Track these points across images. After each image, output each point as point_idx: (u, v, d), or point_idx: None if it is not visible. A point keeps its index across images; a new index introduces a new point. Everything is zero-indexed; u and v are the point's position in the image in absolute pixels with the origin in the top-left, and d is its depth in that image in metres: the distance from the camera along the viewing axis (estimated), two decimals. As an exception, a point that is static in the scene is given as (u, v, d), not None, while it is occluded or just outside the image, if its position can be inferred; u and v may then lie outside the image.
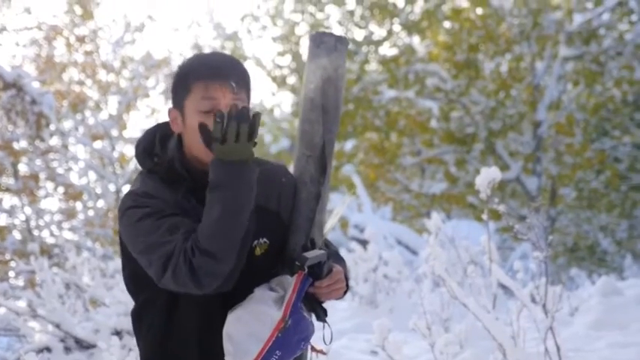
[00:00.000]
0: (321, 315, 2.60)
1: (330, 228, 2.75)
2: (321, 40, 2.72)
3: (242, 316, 2.45)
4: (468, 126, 21.23)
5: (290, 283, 2.49)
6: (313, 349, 2.67)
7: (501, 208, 5.00)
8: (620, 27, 20.85)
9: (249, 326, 2.42)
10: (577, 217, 22.36)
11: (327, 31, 2.77)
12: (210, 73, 2.48)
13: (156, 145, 2.58)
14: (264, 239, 2.60)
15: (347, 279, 2.70)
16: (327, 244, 2.77)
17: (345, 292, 2.71)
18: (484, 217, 5.26)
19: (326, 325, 2.62)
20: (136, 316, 2.62)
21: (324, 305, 2.64)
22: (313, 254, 2.54)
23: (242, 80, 2.52)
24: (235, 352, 2.42)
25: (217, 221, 2.38)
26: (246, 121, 2.39)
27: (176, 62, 22.78)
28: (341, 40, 2.73)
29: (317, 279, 2.55)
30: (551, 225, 20.65)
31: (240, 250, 2.42)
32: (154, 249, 2.43)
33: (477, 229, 16.45)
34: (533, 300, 6.48)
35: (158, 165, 2.55)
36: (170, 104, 2.58)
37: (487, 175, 5.12)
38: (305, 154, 2.71)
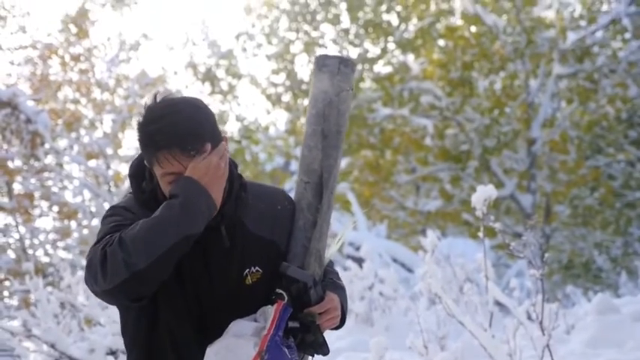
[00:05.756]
0: (317, 351, 2.50)
1: (332, 254, 2.66)
2: (324, 63, 2.64)
3: (219, 350, 2.38)
4: (462, 143, 21.25)
5: (270, 313, 2.41)
6: None
7: (497, 225, 5.00)
8: (613, 45, 20.94)
9: None
10: (572, 235, 22.35)
11: (331, 53, 2.69)
12: (155, 146, 2.41)
13: (146, 171, 2.55)
14: (257, 268, 2.54)
15: (343, 309, 2.61)
16: (327, 273, 2.68)
17: (342, 323, 2.63)
18: (480, 234, 5.25)
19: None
20: (122, 334, 2.60)
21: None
22: (296, 270, 2.47)
23: (190, 139, 2.39)
24: None
25: (151, 220, 2.34)
26: None
27: (171, 81, 22.81)
28: (345, 63, 2.64)
29: (305, 306, 2.48)
30: (546, 242, 20.64)
31: (157, 263, 2.31)
32: (93, 245, 2.42)
33: (472, 246, 16.45)
34: (530, 317, 6.48)
35: (143, 191, 2.54)
36: None
37: (483, 193, 5.12)
38: (303, 181, 2.64)
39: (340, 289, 2.66)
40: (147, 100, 2.50)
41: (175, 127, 2.39)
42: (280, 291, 2.46)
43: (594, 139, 21.31)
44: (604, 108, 21.11)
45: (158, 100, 2.47)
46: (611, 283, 20.91)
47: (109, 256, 2.31)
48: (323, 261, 2.61)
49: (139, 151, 2.57)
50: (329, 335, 2.59)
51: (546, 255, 5.02)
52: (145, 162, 2.50)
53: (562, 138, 21.48)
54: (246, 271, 2.52)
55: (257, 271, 2.54)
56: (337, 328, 2.63)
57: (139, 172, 2.57)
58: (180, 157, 2.39)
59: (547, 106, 20.67)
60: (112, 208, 2.57)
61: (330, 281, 2.66)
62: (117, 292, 2.34)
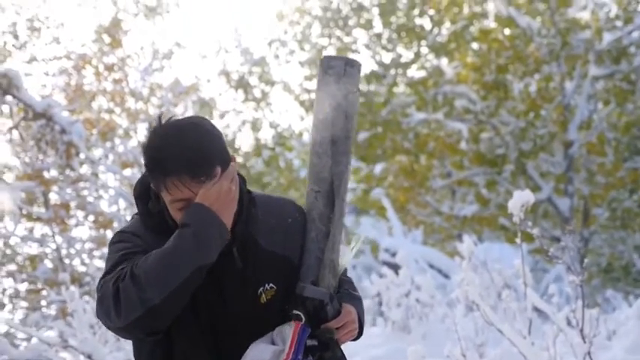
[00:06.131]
0: None
1: (346, 263, 2.61)
2: (329, 65, 2.57)
3: None
4: (498, 147, 21.10)
5: (288, 334, 2.37)
6: None
7: (535, 231, 4.94)
8: (651, 44, 20.71)
9: None
10: (611, 238, 22.10)
11: (336, 54, 2.64)
12: (163, 172, 2.35)
13: (151, 191, 2.49)
14: (271, 284, 2.50)
15: (361, 320, 2.60)
16: (342, 283, 2.63)
17: (360, 334, 2.62)
18: (517, 240, 5.19)
19: None
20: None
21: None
22: (312, 289, 2.44)
23: (199, 165, 2.34)
24: None
25: (164, 252, 2.28)
26: None
27: (204, 88, 22.87)
28: (351, 64, 2.58)
29: (322, 322, 2.45)
30: (585, 246, 20.43)
31: (172, 296, 2.26)
32: (103, 276, 2.36)
33: (509, 251, 16.31)
34: (570, 324, 6.40)
35: (150, 213, 2.48)
36: None
37: (520, 198, 5.06)
38: (313, 190, 2.58)
39: (356, 300, 2.63)
40: (151, 122, 2.43)
41: (184, 152, 2.33)
42: (297, 312, 2.42)
43: (632, 140, 21.08)
44: (642, 109, 20.89)
45: (163, 122, 2.40)
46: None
47: (121, 292, 2.26)
48: (337, 271, 2.55)
49: (142, 174, 2.53)
50: (364, 342, 2.57)
51: (586, 260, 4.96)
52: (152, 185, 2.44)
53: (599, 140, 21.26)
54: (261, 289, 2.48)
55: (271, 287, 2.50)
56: (355, 339, 2.61)
57: (144, 192, 2.51)
58: (189, 184, 2.34)
59: (583, 108, 20.46)
60: (119, 233, 2.50)
61: (346, 292, 2.62)
62: (132, 329, 2.29)
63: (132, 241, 2.43)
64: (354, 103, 2.60)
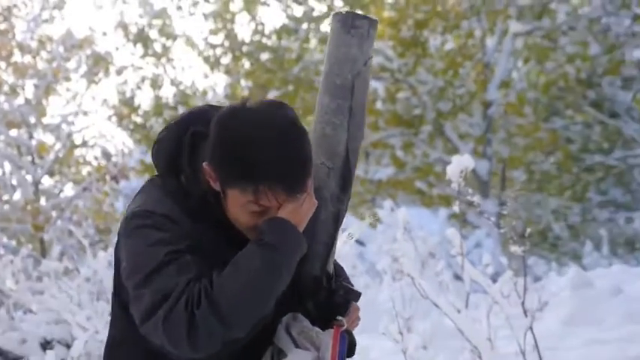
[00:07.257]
0: None
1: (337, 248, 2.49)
2: (353, 25, 2.37)
3: None
4: (415, 107, 21.18)
5: (324, 341, 2.22)
6: None
7: (476, 198, 4.89)
8: (573, 1, 20.97)
9: None
10: (527, 201, 22.47)
11: (357, 12, 2.45)
12: (253, 179, 2.09)
13: (183, 160, 2.21)
14: None
15: None
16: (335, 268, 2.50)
17: None
18: (455, 207, 5.13)
19: None
20: (108, 355, 2.31)
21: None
22: (357, 292, 2.35)
23: (299, 181, 2.14)
24: None
25: (247, 278, 2.07)
26: None
27: (100, 42, 22.36)
28: (374, 25, 2.41)
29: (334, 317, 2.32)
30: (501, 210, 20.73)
31: (255, 326, 2.12)
32: (152, 282, 2.07)
33: (426, 216, 16.45)
34: (503, 295, 6.41)
35: (187, 194, 2.20)
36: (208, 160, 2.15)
37: (459, 164, 5.01)
38: (325, 165, 2.37)
39: (347, 277, 2.53)
40: (232, 106, 2.15)
41: (285, 162, 2.11)
42: (340, 318, 2.27)
43: (552, 100, 21.39)
44: (563, 67, 21.17)
45: (250, 107, 2.14)
46: (567, 251, 21.10)
47: (199, 324, 2.03)
48: (333, 257, 2.44)
49: (167, 130, 2.23)
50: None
51: (528, 230, 4.95)
52: (213, 171, 2.14)
53: (519, 100, 21.54)
54: None
55: None
56: None
57: (174, 159, 2.22)
58: (281, 196, 2.12)
59: (503, 66, 20.66)
60: (148, 214, 2.15)
61: (344, 275, 2.52)
62: (203, 358, 2.10)
63: (168, 229, 2.13)
64: (370, 71, 2.44)
